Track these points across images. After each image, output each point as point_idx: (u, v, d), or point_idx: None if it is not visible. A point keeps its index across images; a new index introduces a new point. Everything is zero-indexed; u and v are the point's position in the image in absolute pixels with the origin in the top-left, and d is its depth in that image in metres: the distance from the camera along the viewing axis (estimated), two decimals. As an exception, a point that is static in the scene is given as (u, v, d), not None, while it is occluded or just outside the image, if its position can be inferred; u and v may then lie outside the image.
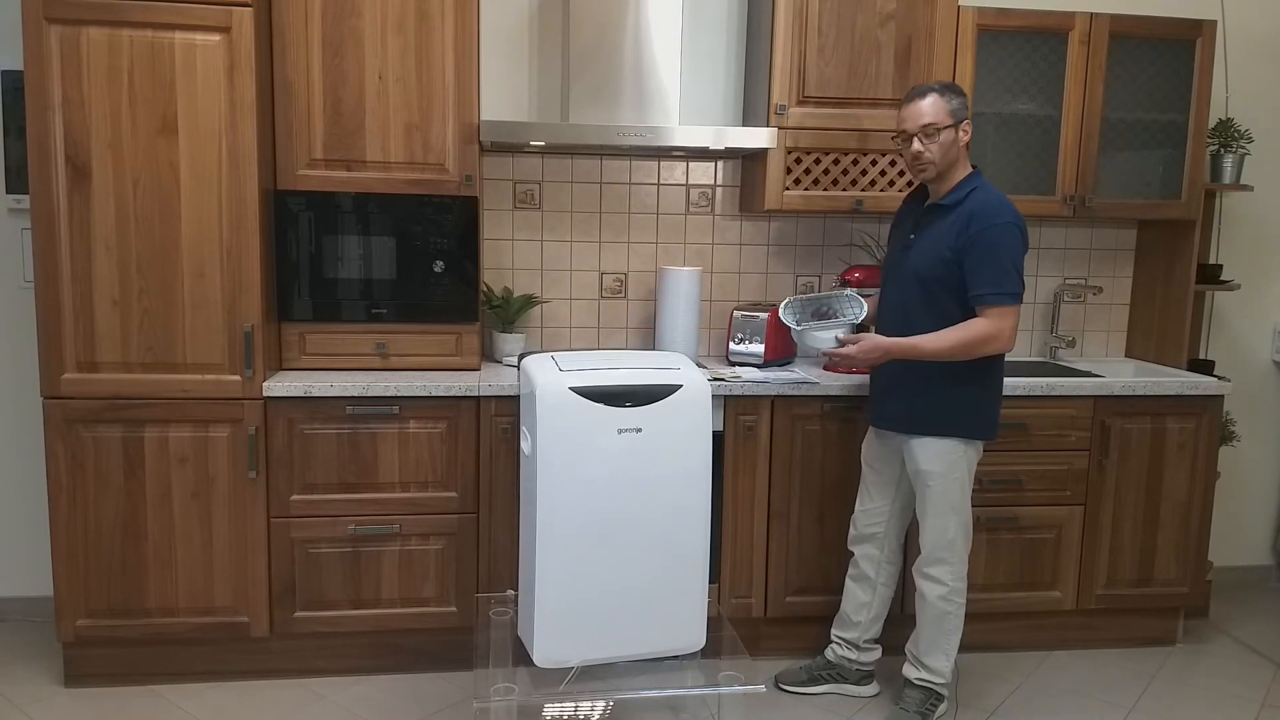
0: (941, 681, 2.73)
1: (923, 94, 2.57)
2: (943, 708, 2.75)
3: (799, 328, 2.72)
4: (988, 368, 2.60)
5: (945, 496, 2.63)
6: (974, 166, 2.64)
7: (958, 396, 2.59)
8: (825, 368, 3.19)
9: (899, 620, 2.98)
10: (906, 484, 2.76)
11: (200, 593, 2.82)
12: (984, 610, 3.17)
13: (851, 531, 2.90)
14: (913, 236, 2.64)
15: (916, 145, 2.56)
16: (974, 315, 2.52)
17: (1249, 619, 3.59)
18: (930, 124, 2.54)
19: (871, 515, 2.84)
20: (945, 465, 2.62)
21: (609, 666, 2.44)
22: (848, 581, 2.92)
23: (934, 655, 2.72)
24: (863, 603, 2.88)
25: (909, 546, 2.85)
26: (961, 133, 2.56)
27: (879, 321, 2.78)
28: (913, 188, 2.75)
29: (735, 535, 3.02)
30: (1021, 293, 2.52)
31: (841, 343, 2.61)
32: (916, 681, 2.75)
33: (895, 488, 2.79)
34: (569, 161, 3.38)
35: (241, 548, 2.82)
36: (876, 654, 2.93)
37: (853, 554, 2.89)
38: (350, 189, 2.90)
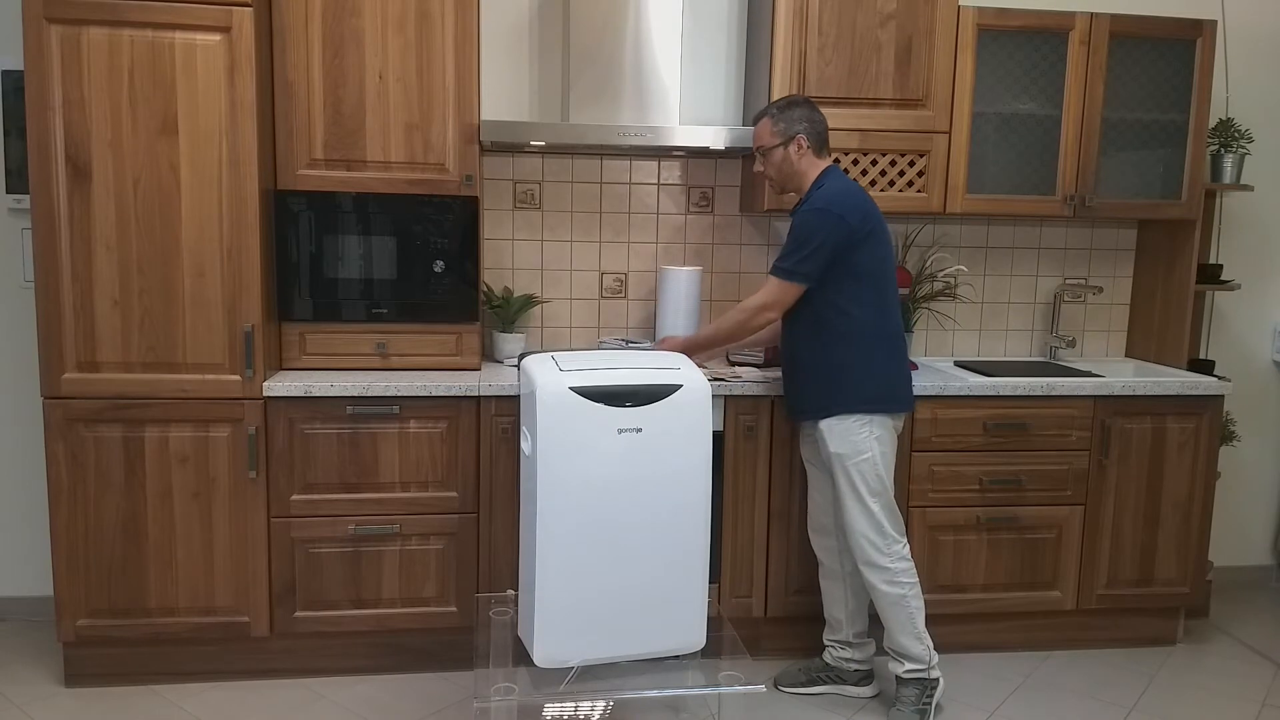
0: (925, 665, 2.74)
1: (758, 118, 2.75)
2: (939, 691, 2.76)
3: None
4: (855, 337, 2.63)
5: (863, 479, 2.65)
6: (834, 162, 2.74)
7: (837, 373, 2.64)
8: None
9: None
10: None
11: (200, 593, 2.82)
12: (984, 610, 3.17)
13: (809, 527, 2.94)
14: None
15: (757, 164, 2.78)
16: (833, 309, 2.63)
17: (1249, 619, 3.59)
18: (759, 146, 2.74)
19: (819, 506, 2.88)
20: (852, 446, 2.64)
21: (609, 666, 2.44)
22: (820, 583, 2.94)
23: (906, 640, 2.73)
24: (837, 597, 2.90)
25: None
26: (794, 148, 2.67)
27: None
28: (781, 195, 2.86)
29: (735, 535, 3.02)
30: (796, 271, 2.60)
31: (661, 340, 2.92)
32: (906, 676, 2.75)
33: (829, 476, 2.81)
34: (569, 161, 3.38)
35: (242, 548, 2.82)
36: (870, 649, 2.93)
37: (817, 556, 2.92)
38: (350, 189, 2.91)
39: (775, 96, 3.07)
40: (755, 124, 2.75)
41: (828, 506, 2.85)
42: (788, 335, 2.78)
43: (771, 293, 2.65)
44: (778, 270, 2.64)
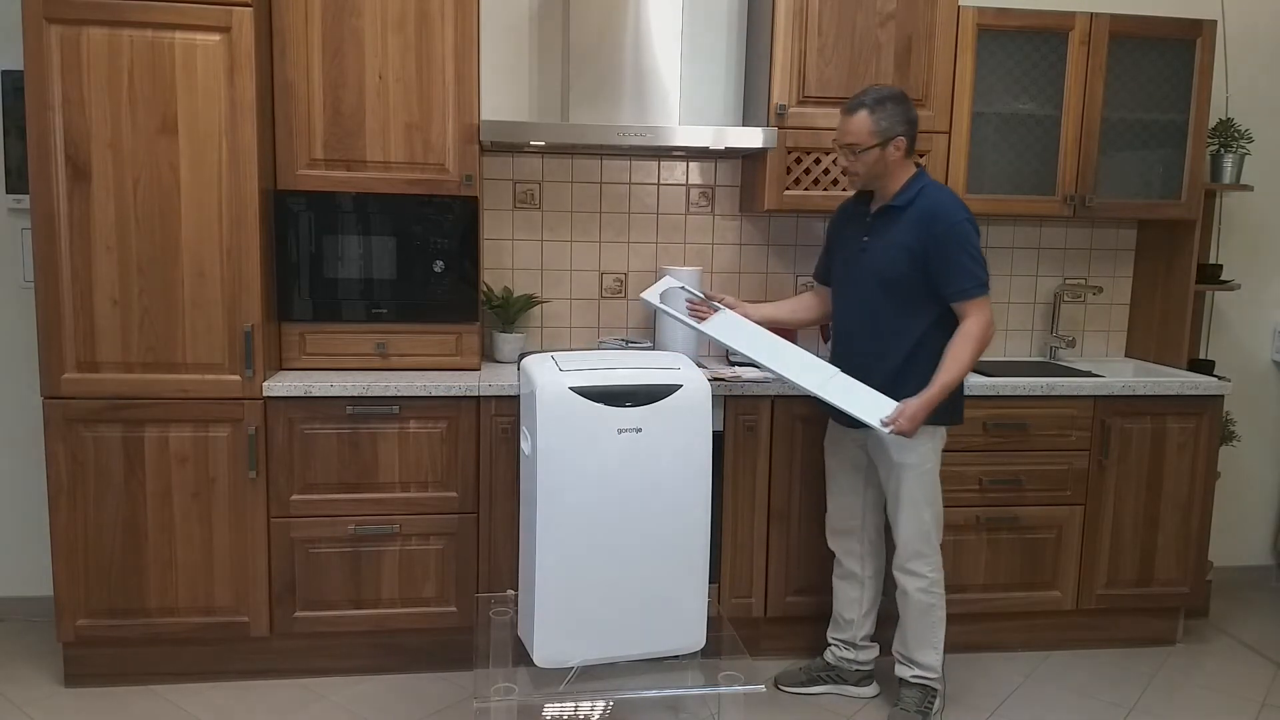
0: (935, 676, 2.74)
1: (853, 109, 2.58)
2: (939, 702, 2.76)
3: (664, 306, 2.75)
4: None
5: (921, 488, 2.65)
6: (918, 165, 2.67)
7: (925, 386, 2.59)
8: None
9: (892, 620, 2.97)
10: (874, 475, 2.77)
11: (200, 593, 2.82)
12: (984, 610, 3.17)
13: (828, 528, 2.92)
14: (866, 239, 2.66)
15: (843, 159, 2.63)
16: (939, 307, 2.57)
17: (1249, 619, 3.59)
18: (854, 144, 2.57)
19: (845, 510, 2.86)
20: (920, 456, 2.64)
21: (609, 666, 2.44)
22: (835, 582, 2.93)
23: (923, 650, 2.73)
24: (853, 599, 2.89)
25: (887, 539, 2.84)
26: (893, 149, 2.56)
27: (838, 325, 2.80)
28: (856, 191, 2.77)
29: (735, 535, 3.02)
30: (988, 281, 2.59)
31: (886, 423, 2.49)
32: (912, 680, 2.75)
33: (864, 480, 2.80)
34: (569, 161, 3.38)
35: (241, 548, 2.82)
36: (874, 652, 2.93)
37: (834, 554, 2.91)
38: (350, 189, 2.90)
39: (776, 97, 3.08)
40: (848, 115, 2.58)
41: (856, 510, 2.84)
42: (896, 344, 2.60)
43: (985, 310, 2.56)
44: (979, 288, 2.54)
